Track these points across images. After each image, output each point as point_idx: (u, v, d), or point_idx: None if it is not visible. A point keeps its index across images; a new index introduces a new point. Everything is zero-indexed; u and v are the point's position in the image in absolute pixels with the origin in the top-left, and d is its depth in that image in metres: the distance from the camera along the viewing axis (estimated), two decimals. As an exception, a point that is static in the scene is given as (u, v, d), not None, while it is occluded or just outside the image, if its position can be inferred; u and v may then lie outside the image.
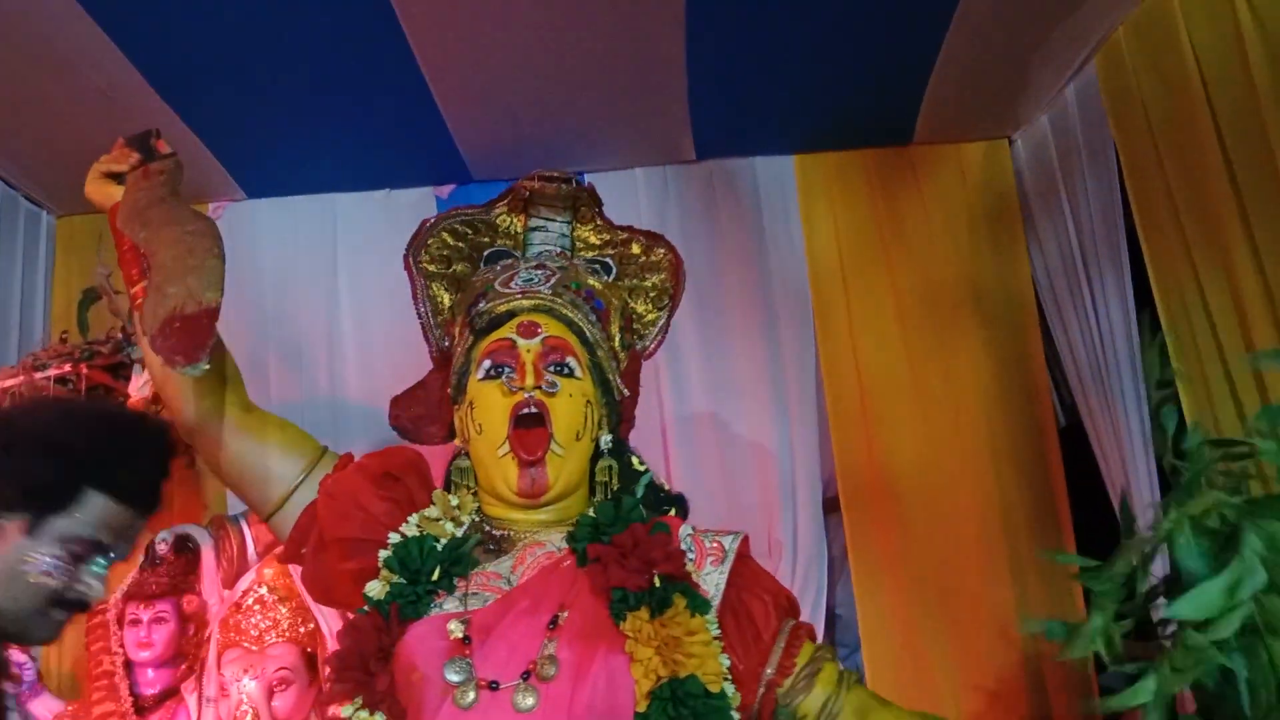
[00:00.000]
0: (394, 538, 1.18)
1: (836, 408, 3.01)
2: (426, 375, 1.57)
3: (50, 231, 3.11)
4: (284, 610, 2.26)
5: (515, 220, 1.59)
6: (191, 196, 3.08)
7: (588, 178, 3.14)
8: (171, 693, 2.35)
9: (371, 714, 1.07)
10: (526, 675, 1.07)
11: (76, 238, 3.14)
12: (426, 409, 1.43)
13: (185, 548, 2.44)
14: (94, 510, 1.20)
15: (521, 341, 1.24)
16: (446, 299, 1.55)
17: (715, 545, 1.26)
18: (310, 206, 3.15)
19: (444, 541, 1.21)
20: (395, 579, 1.16)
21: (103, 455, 1.23)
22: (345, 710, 1.09)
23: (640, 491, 1.36)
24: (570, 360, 1.28)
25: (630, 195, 3.14)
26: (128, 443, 1.28)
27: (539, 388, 1.19)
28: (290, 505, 1.18)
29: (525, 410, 1.18)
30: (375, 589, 1.15)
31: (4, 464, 1.17)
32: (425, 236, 1.57)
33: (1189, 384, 2.39)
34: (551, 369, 1.25)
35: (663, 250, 1.68)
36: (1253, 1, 2.03)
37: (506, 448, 1.18)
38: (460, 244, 1.57)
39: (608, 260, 1.65)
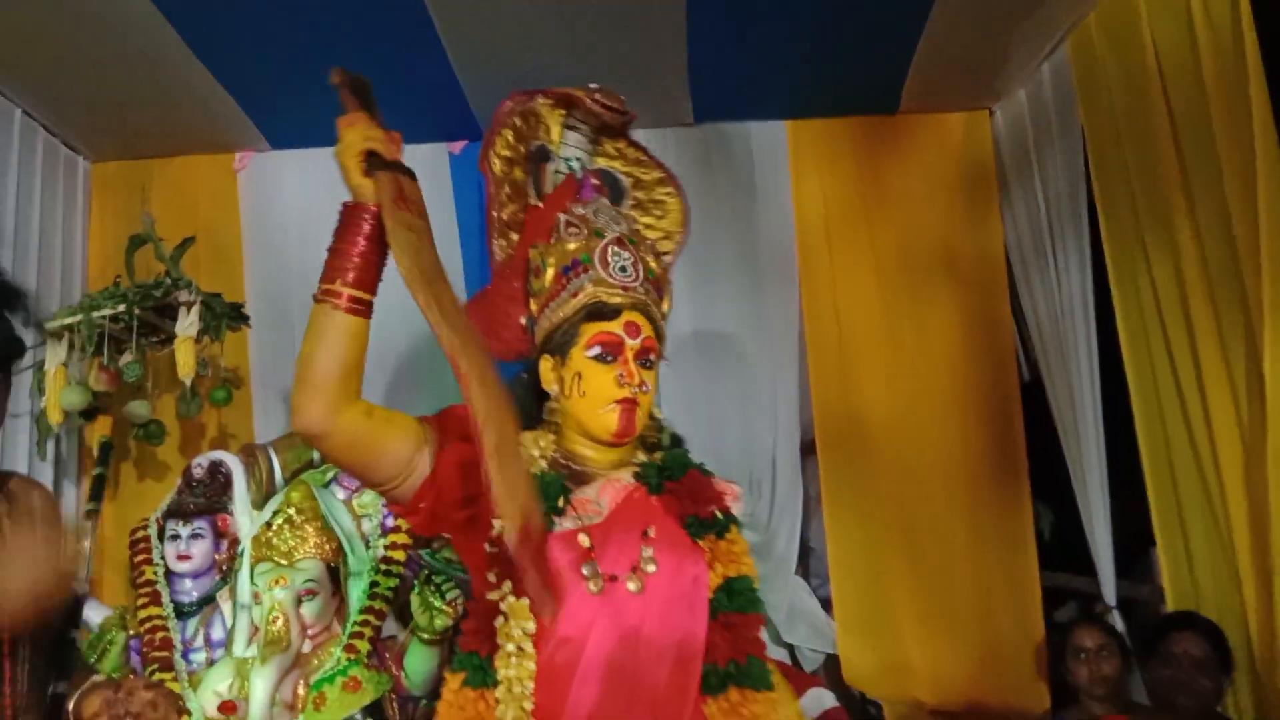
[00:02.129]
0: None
1: (816, 359, 3.24)
2: (489, 287, 1.74)
3: (86, 176, 3.30)
4: (310, 529, 2.50)
5: (555, 113, 1.79)
6: (217, 146, 3.31)
7: (591, 137, 3.35)
8: (208, 600, 2.61)
9: (518, 599, 1.41)
10: (634, 569, 1.46)
11: (111, 182, 3.33)
12: (484, 325, 1.63)
13: (218, 472, 2.67)
14: None
15: (629, 341, 1.54)
16: (510, 208, 1.74)
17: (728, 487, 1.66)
18: (330, 158, 3.31)
19: (554, 475, 1.54)
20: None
21: None
22: (494, 594, 1.43)
23: (668, 438, 1.65)
24: (653, 355, 1.60)
25: (632, 153, 3.32)
26: None
27: (640, 387, 1.54)
28: (409, 481, 1.43)
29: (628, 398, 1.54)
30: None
31: None
32: (494, 135, 1.73)
33: (1134, 352, 2.62)
34: (643, 364, 1.57)
35: (673, 193, 1.93)
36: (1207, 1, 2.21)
37: (613, 409, 1.52)
38: (519, 145, 1.75)
39: (620, 177, 1.86)
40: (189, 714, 1.53)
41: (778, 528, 3.16)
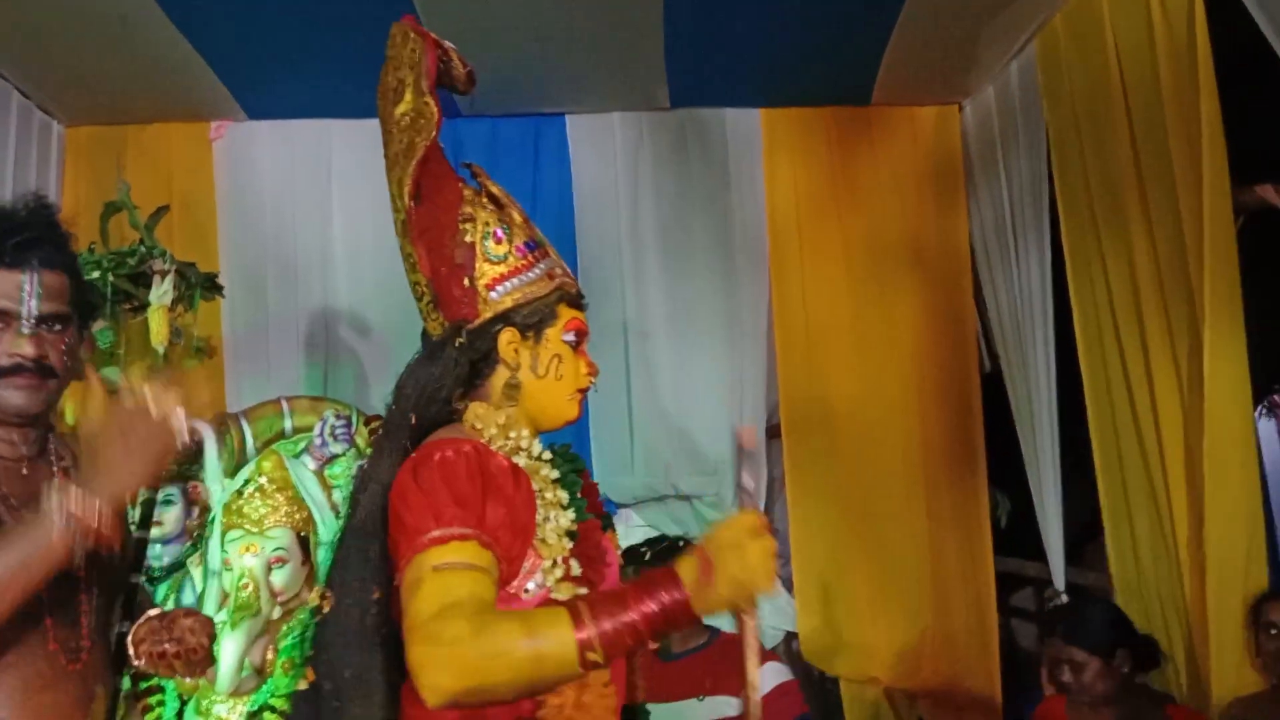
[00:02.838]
0: (554, 473, 1.47)
1: (784, 345, 3.31)
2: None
3: (60, 141, 3.28)
4: (280, 498, 2.53)
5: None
6: (193, 115, 3.31)
7: (568, 119, 3.39)
8: (178, 566, 2.64)
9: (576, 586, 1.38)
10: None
11: (85, 148, 3.32)
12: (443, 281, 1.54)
13: (190, 440, 2.70)
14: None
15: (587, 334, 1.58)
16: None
17: None
18: (307, 131, 3.34)
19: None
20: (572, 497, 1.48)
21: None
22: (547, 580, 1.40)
23: None
24: None
25: (607, 137, 3.36)
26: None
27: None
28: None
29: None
30: (568, 511, 1.44)
31: None
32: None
33: (1088, 346, 2.70)
34: None
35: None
36: (1166, 6, 2.28)
37: (575, 398, 1.54)
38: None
39: None
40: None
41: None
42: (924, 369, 3.30)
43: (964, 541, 3.27)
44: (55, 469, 1.45)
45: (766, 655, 2.33)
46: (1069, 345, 2.83)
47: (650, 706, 2.13)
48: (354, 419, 2.67)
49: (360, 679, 1.36)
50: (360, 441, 2.35)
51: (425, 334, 1.54)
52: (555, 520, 1.40)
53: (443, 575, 1.20)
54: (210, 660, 1.54)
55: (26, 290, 1.38)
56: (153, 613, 1.89)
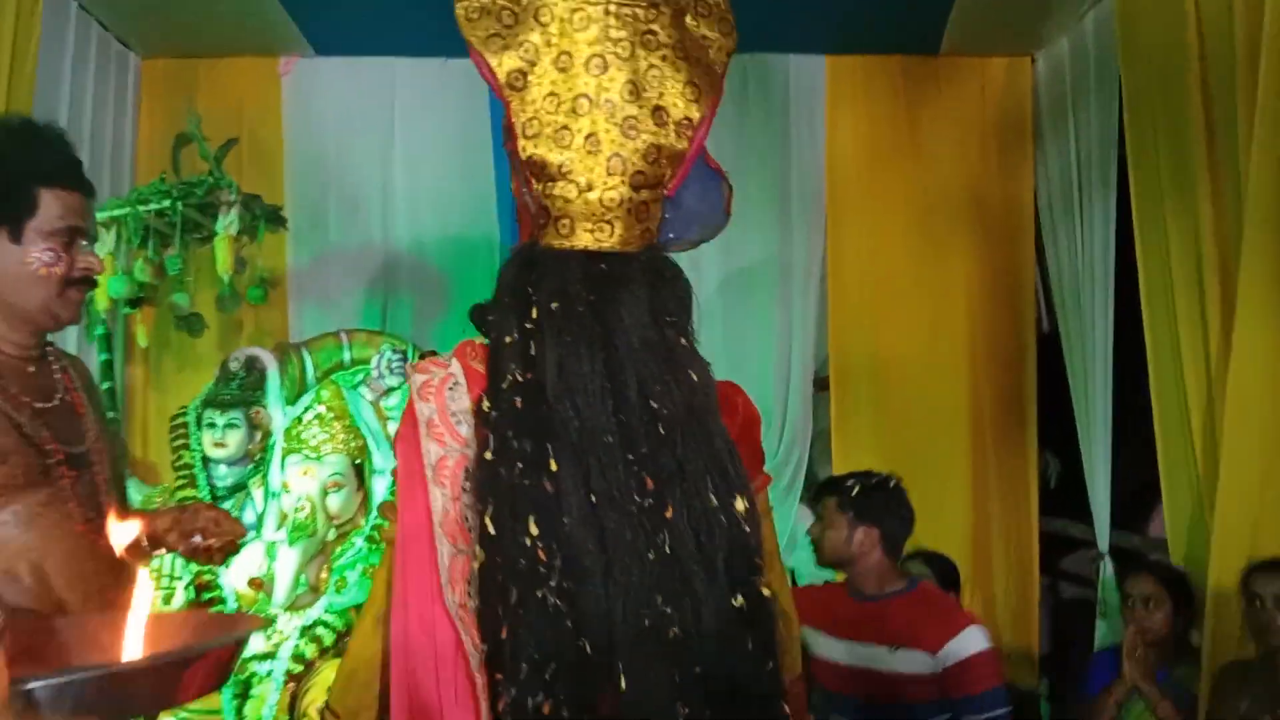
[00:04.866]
0: None
1: (837, 297, 3.30)
2: None
3: (137, 72, 3.37)
4: (338, 427, 2.64)
5: None
6: (264, 49, 3.37)
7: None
8: (240, 487, 2.77)
9: None
10: None
11: (160, 79, 3.40)
12: None
13: (254, 367, 2.80)
14: (54, 204, 1.41)
15: None
16: None
17: None
18: (372, 68, 3.38)
19: None
20: None
21: (38, 156, 1.42)
22: None
23: None
24: None
25: (668, 81, 3.34)
26: (49, 141, 1.46)
27: None
28: None
29: None
30: None
31: None
32: None
33: (1153, 309, 2.64)
34: None
35: None
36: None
37: None
38: None
39: None
40: (247, 532, 1.66)
41: (786, 458, 3.26)
42: (979, 327, 3.27)
43: (1009, 502, 3.26)
44: (56, 370, 1.52)
45: (968, 618, 2.15)
46: (1126, 308, 2.78)
47: (838, 644, 2.15)
48: (409, 353, 2.76)
49: None
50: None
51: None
52: None
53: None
54: (237, 547, 1.61)
55: (91, 209, 1.49)
56: (160, 508, 1.95)
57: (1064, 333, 3.10)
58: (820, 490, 2.36)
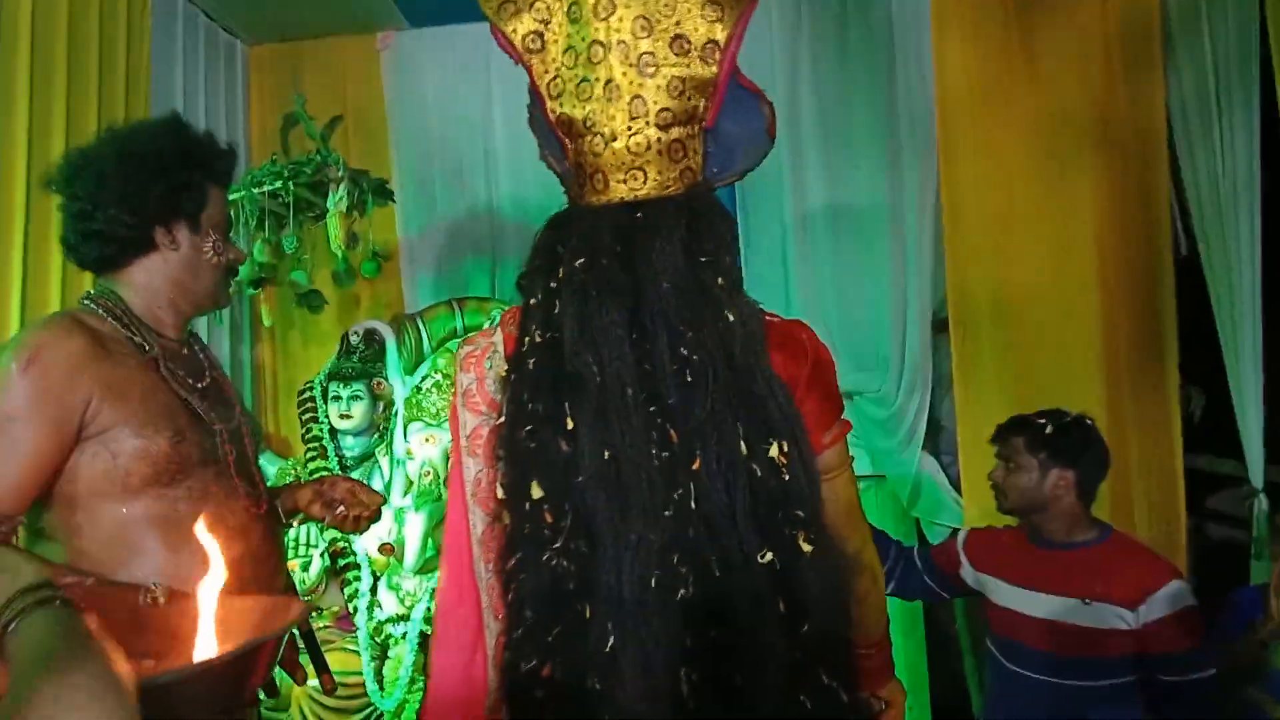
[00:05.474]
0: None
1: (954, 233, 3.13)
2: None
3: (245, 60, 3.47)
4: (456, 393, 2.70)
5: None
6: (362, 26, 3.42)
7: None
8: (367, 456, 2.86)
9: None
10: None
11: (267, 65, 3.50)
12: None
13: (373, 340, 2.88)
14: (216, 197, 1.54)
15: None
16: None
17: None
18: (466, 35, 3.39)
19: None
20: None
21: (203, 152, 1.53)
22: None
23: None
24: None
25: (763, 16, 3.21)
26: (209, 138, 1.56)
27: None
28: None
29: None
30: None
31: (150, 187, 1.44)
32: None
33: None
34: None
35: None
36: None
37: None
38: None
39: None
40: (385, 501, 1.74)
41: (906, 404, 3.16)
42: (1110, 255, 3.06)
43: (1150, 440, 3.06)
44: (199, 352, 1.61)
45: (1171, 570, 1.97)
46: (1273, 224, 2.56)
47: (1022, 593, 2.04)
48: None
49: None
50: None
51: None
52: None
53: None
54: (377, 514, 1.69)
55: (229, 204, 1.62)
56: (294, 483, 2.04)
57: (1205, 256, 2.88)
58: (1005, 430, 2.19)
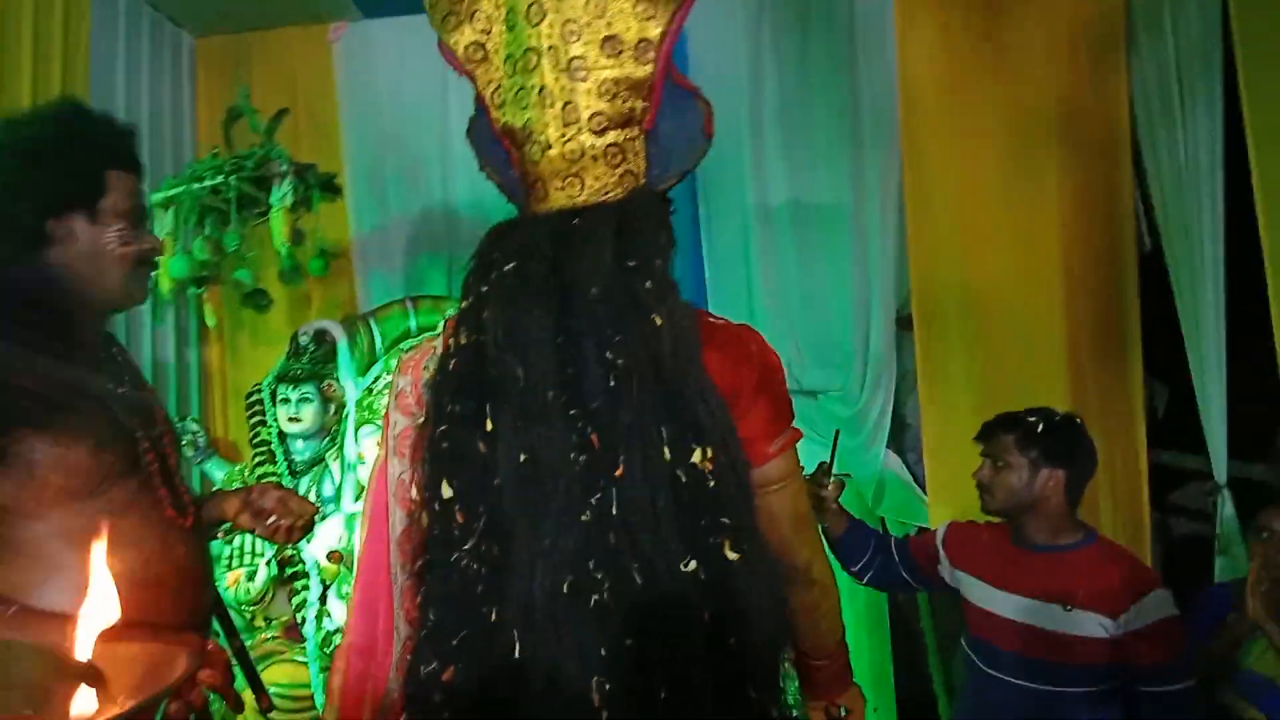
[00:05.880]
0: None
1: (917, 228, 3.10)
2: None
3: (191, 51, 3.37)
4: (407, 395, 2.62)
5: None
6: (313, 17, 3.32)
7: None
8: (317, 460, 2.78)
9: None
10: None
11: (214, 57, 3.39)
12: None
13: (323, 340, 2.80)
14: (120, 184, 1.43)
15: None
16: None
17: None
18: (420, 26, 3.28)
19: None
20: None
21: (100, 138, 1.43)
22: None
23: None
24: None
25: (725, 8, 3.16)
26: (107, 122, 1.47)
27: None
28: None
29: None
30: None
31: (38, 177, 1.36)
32: None
33: (1273, 217, 2.41)
34: None
35: None
36: None
37: None
38: None
39: None
40: (318, 511, 1.65)
41: (870, 401, 3.12)
42: (1074, 249, 3.04)
43: (1114, 435, 3.04)
44: (118, 356, 1.53)
45: (1154, 579, 1.92)
46: (1235, 219, 2.54)
47: (1001, 595, 1.98)
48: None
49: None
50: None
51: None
52: None
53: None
54: (311, 524, 1.61)
55: (144, 191, 1.50)
56: (223, 490, 1.96)
57: (1168, 251, 2.86)
58: (993, 428, 2.12)
